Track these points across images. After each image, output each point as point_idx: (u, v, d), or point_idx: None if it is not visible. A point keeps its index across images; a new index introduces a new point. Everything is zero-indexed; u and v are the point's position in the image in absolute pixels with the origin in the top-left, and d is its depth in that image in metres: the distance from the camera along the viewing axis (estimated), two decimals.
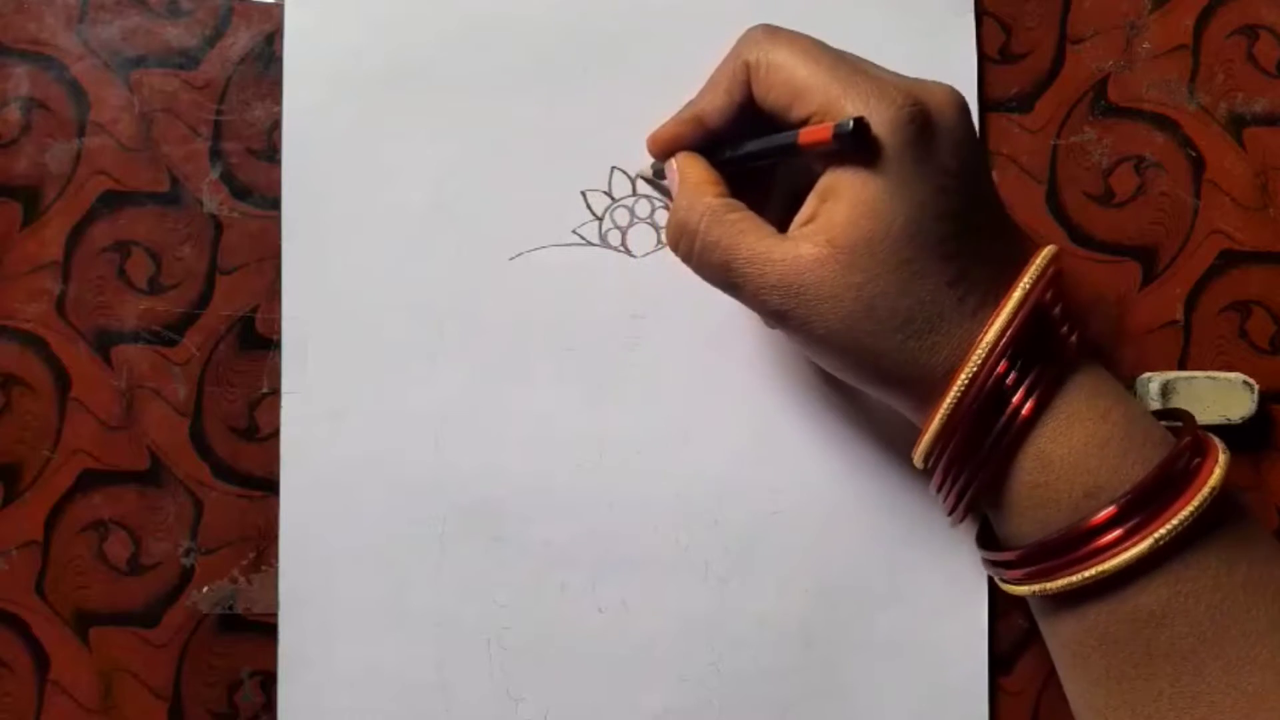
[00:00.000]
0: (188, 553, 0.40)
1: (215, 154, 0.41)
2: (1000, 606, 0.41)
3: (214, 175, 0.41)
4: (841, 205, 0.32)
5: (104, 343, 0.40)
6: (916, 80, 0.34)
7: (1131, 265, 0.42)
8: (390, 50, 0.41)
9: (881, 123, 0.32)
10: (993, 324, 0.32)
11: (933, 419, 0.33)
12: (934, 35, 0.41)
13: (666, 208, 0.41)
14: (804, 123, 0.33)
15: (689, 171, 0.37)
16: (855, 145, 0.32)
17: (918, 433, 0.34)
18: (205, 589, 0.40)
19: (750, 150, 0.36)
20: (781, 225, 0.34)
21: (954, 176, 0.33)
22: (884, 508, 0.40)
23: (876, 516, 0.40)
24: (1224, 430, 0.39)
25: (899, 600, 0.40)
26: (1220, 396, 0.40)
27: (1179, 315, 0.42)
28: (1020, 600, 0.41)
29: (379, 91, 0.40)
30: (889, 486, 0.40)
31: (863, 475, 0.40)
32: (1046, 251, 0.34)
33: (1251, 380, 0.40)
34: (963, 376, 0.32)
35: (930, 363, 0.33)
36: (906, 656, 0.40)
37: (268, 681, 0.40)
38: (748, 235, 0.34)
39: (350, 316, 0.40)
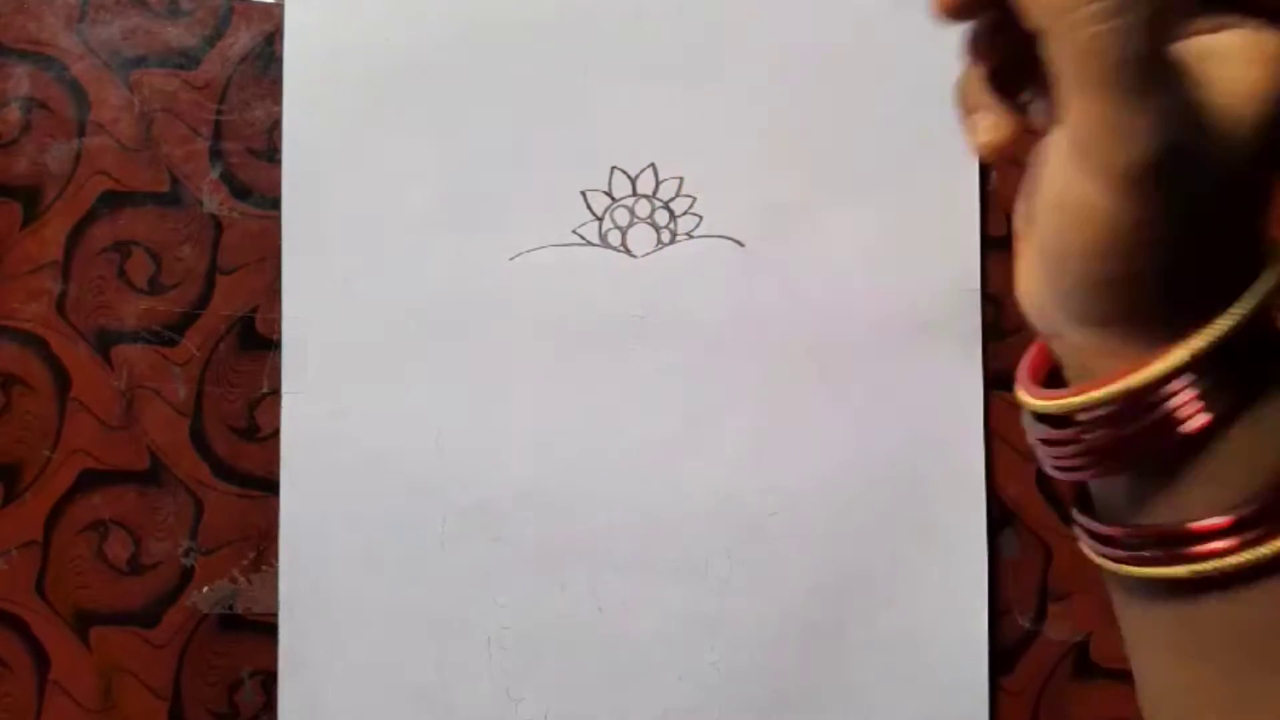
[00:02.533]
0: (188, 553, 0.40)
1: (215, 154, 0.41)
2: (1000, 606, 0.41)
3: (214, 175, 0.41)
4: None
5: (104, 343, 0.40)
6: None
7: None
8: (390, 50, 0.41)
9: None
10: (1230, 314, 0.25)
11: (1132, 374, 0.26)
12: (934, 35, 0.41)
13: (667, 207, 0.41)
14: None
15: None
16: None
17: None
18: (205, 589, 0.40)
19: None
20: None
21: None
22: (884, 508, 0.40)
23: (876, 517, 0.40)
24: None
25: (899, 600, 0.40)
26: None
27: None
28: (1020, 600, 0.41)
29: (379, 91, 0.40)
30: (889, 487, 0.40)
31: (863, 475, 0.40)
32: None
33: None
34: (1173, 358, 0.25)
35: (1208, 293, 0.26)
36: (906, 656, 0.40)
37: (268, 681, 0.40)
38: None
39: (350, 316, 0.40)
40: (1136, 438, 0.28)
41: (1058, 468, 0.30)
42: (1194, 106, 0.25)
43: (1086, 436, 0.29)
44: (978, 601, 0.40)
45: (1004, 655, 0.41)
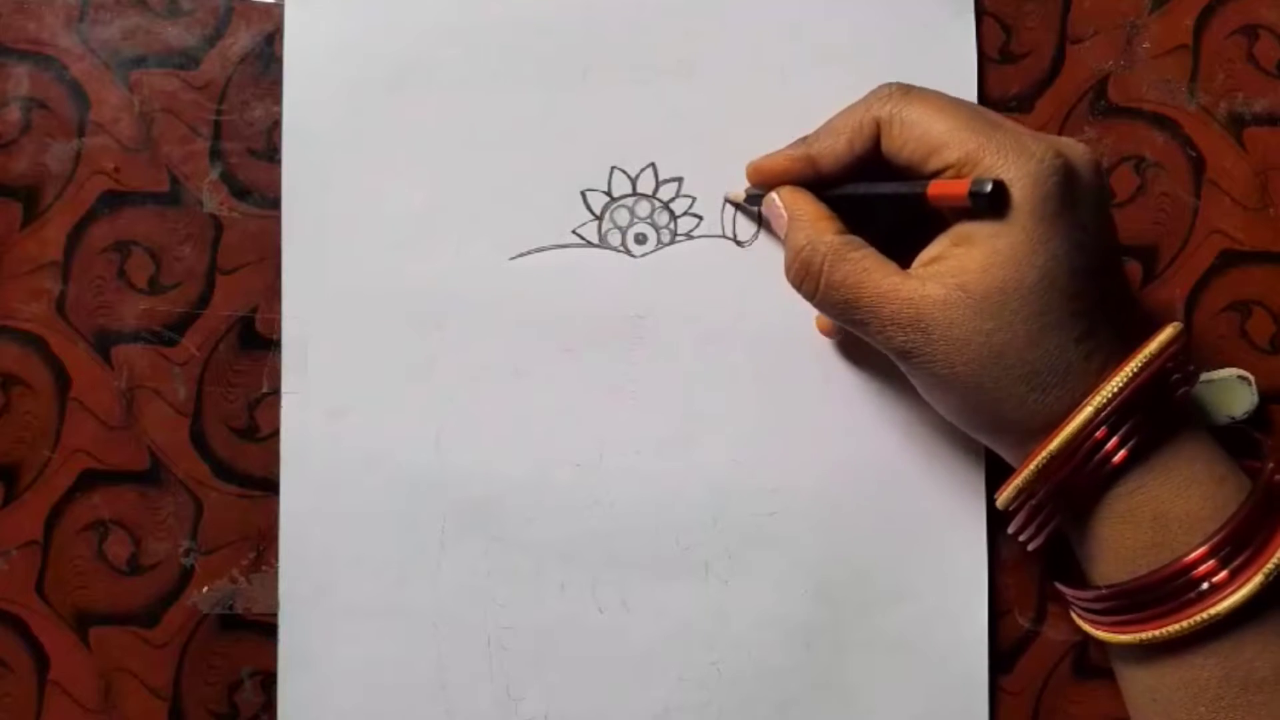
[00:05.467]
0: (188, 553, 0.40)
1: (215, 154, 0.41)
2: (1000, 606, 0.41)
3: (214, 175, 0.41)
4: (976, 252, 0.32)
5: (104, 343, 0.40)
6: (1054, 136, 0.34)
7: (1132, 265, 0.42)
8: (390, 50, 0.41)
9: (1023, 175, 0.32)
10: (1105, 386, 0.32)
11: (1027, 465, 0.33)
12: (934, 35, 0.41)
13: (667, 208, 0.41)
14: (938, 174, 0.34)
15: (802, 208, 0.37)
16: (990, 207, 0.32)
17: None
18: (205, 589, 0.40)
19: (871, 193, 0.36)
20: (887, 255, 0.35)
21: (1089, 234, 0.33)
22: (884, 508, 0.40)
23: (876, 517, 0.40)
24: (1228, 430, 0.39)
25: (899, 600, 0.40)
26: (1220, 397, 0.40)
27: (1179, 315, 0.41)
28: (1020, 600, 0.41)
29: (379, 91, 0.40)
30: (889, 487, 0.40)
31: (862, 476, 0.40)
32: (1173, 328, 0.34)
33: (1246, 374, 0.40)
34: (1065, 433, 0.32)
35: (1046, 415, 0.33)
36: (906, 656, 0.40)
37: (268, 681, 0.40)
38: (873, 273, 0.34)
39: (350, 316, 0.40)
40: (1066, 488, 0.34)
41: (1026, 539, 0.36)
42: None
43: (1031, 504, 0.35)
44: (978, 601, 0.40)
45: (1004, 655, 0.41)
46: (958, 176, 0.33)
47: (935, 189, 0.33)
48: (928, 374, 0.34)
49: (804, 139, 0.38)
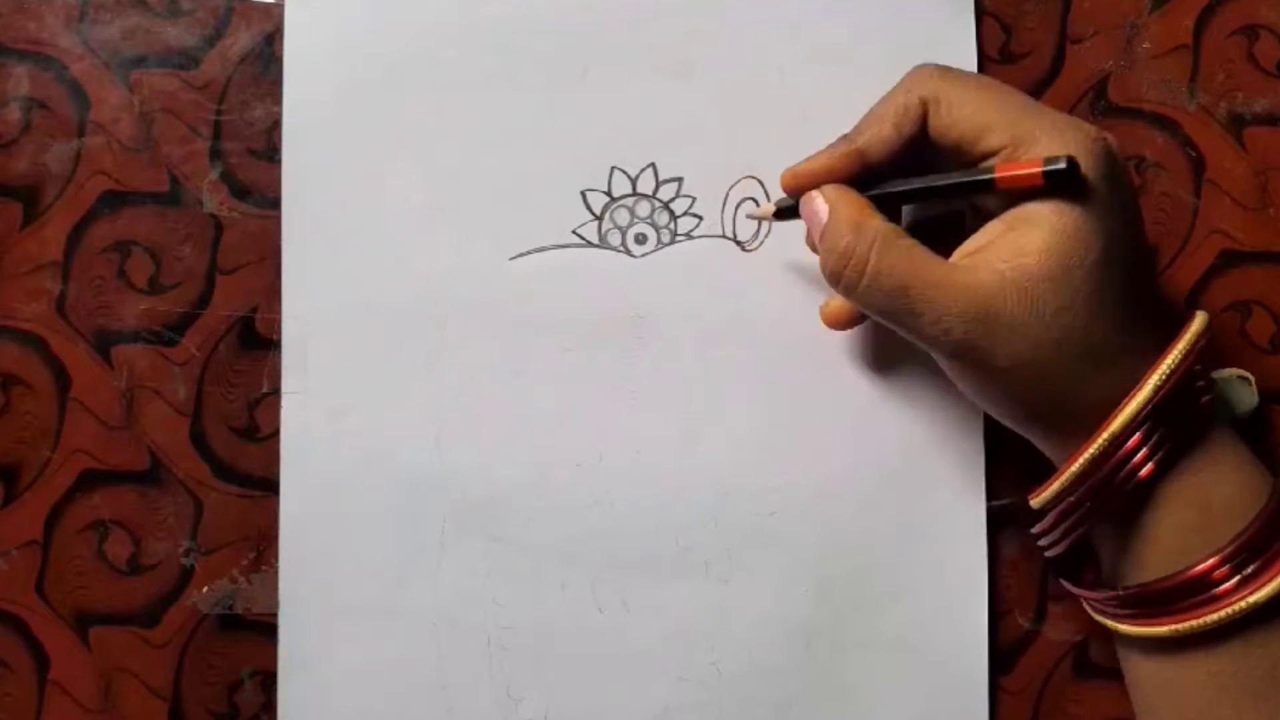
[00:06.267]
0: (188, 553, 0.40)
1: (215, 154, 0.41)
2: (1000, 606, 0.41)
3: (214, 175, 0.41)
4: (1036, 233, 0.32)
5: (104, 343, 0.40)
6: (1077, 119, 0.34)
7: None
8: (390, 50, 0.41)
9: (1080, 153, 0.32)
10: (1143, 386, 0.32)
11: (1074, 461, 0.33)
12: (934, 35, 0.41)
13: (667, 208, 0.41)
14: (988, 156, 0.33)
15: (842, 201, 0.35)
16: (1063, 183, 0.32)
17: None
18: (205, 589, 0.40)
19: (926, 186, 0.35)
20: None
21: (1134, 211, 0.33)
22: (884, 508, 0.40)
23: (876, 517, 0.40)
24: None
25: (899, 600, 0.40)
26: (1221, 397, 0.40)
27: (1179, 315, 0.41)
28: (1020, 600, 0.41)
29: (379, 91, 0.40)
30: (889, 487, 0.40)
31: (863, 475, 0.40)
32: (1202, 317, 0.34)
33: (1246, 374, 0.40)
34: (1105, 435, 0.32)
35: (1104, 395, 0.33)
36: (906, 656, 0.40)
37: (268, 681, 0.40)
38: (927, 262, 0.33)
39: (350, 316, 0.40)
40: (1098, 497, 0.33)
41: (1049, 544, 0.36)
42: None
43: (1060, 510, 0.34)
44: (978, 601, 0.40)
45: (1004, 655, 0.41)
46: (1011, 158, 0.33)
47: (1004, 171, 0.32)
48: (987, 367, 0.33)
49: (845, 136, 0.36)
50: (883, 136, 0.35)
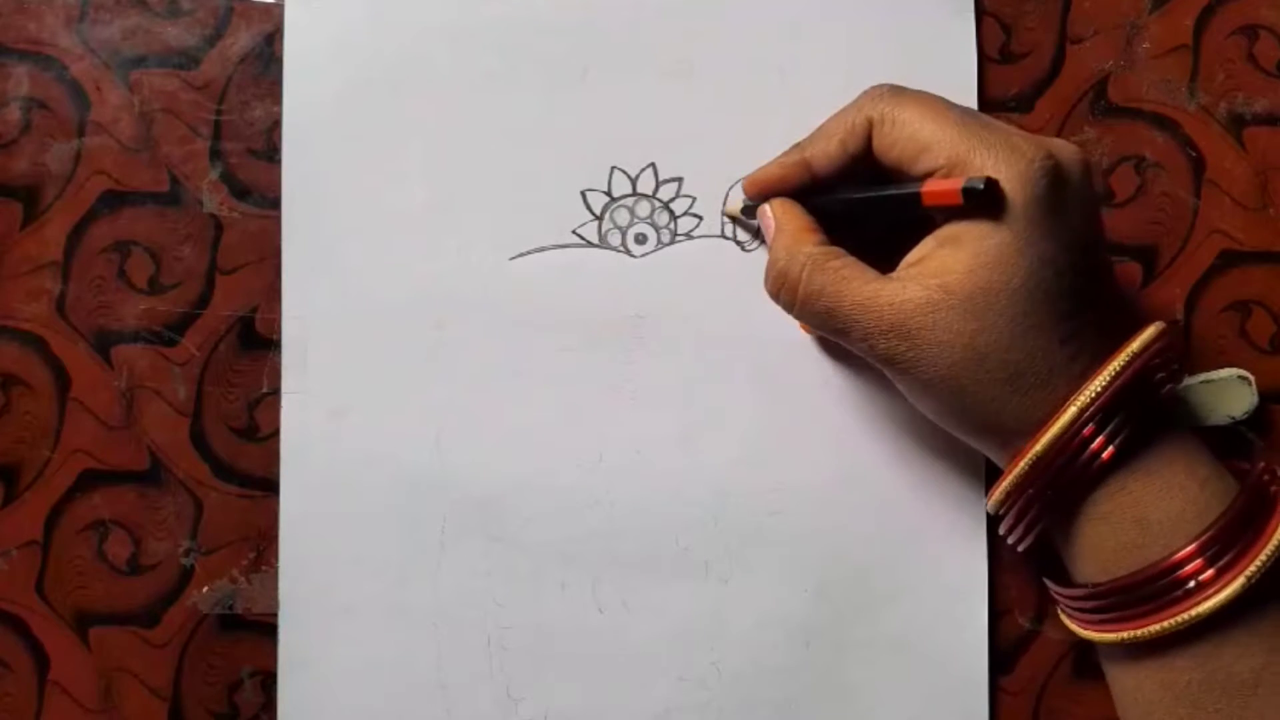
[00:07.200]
0: (188, 553, 0.40)
1: (215, 154, 0.41)
2: (1000, 606, 0.41)
3: (214, 175, 0.41)
4: (962, 253, 0.32)
5: (104, 343, 0.40)
6: (1044, 137, 0.34)
7: (1132, 265, 0.42)
8: (390, 50, 0.41)
9: (1013, 176, 0.32)
10: (1089, 385, 0.32)
11: (1015, 466, 0.33)
12: (934, 35, 0.41)
13: (667, 208, 0.41)
14: (929, 175, 0.34)
15: (786, 219, 0.37)
16: (983, 204, 0.32)
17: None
18: (205, 589, 0.40)
19: (862, 198, 0.36)
20: (875, 263, 0.35)
21: (1078, 235, 0.33)
22: (883, 508, 0.40)
23: (876, 517, 0.40)
24: (1229, 432, 0.39)
25: (899, 600, 0.40)
26: (1220, 397, 0.40)
27: (1179, 315, 0.42)
28: (1020, 600, 0.41)
29: (379, 91, 0.40)
30: (889, 487, 0.40)
31: (863, 476, 0.40)
32: (1156, 327, 0.34)
33: (1246, 374, 0.40)
34: (1051, 433, 0.32)
35: (1030, 417, 0.33)
36: (906, 656, 0.40)
37: (268, 681, 0.40)
38: (852, 281, 0.34)
39: (350, 316, 0.40)
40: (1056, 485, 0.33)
41: (1016, 540, 0.36)
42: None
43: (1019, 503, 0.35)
44: (978, 601, 0.40)
45: (1004, 655, 0.41)
46: (948, 177, 0.33)
47: (929, 188, 0.33)
48: (911, 378, 0.34)
49: (797, 145, 0.38)
50: (828, 152, 0.36)
